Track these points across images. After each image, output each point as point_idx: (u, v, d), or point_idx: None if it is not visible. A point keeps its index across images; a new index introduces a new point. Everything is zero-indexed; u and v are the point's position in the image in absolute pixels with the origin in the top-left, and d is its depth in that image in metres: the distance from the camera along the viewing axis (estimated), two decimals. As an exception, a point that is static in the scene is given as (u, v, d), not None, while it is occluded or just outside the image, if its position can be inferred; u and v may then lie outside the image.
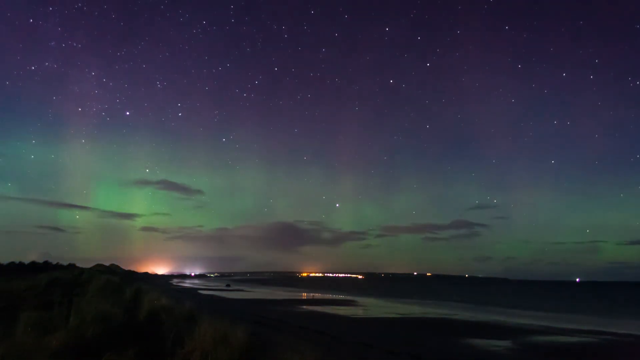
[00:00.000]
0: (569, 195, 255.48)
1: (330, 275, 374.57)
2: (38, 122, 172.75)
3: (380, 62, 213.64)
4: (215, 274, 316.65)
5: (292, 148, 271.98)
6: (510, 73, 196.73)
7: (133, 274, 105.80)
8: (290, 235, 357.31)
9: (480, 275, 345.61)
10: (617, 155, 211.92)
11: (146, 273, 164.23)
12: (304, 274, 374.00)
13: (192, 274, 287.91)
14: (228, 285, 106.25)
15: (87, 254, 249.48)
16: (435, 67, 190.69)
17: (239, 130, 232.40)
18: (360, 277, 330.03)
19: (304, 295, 69.28)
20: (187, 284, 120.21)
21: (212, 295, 58.66)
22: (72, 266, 71.78)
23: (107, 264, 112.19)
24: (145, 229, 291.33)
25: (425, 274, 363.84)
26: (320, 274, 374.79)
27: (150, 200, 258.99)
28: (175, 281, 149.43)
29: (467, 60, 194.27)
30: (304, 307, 43.45)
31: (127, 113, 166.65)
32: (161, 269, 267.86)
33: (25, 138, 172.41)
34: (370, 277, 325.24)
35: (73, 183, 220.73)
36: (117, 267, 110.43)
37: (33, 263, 61.79)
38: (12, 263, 58.96)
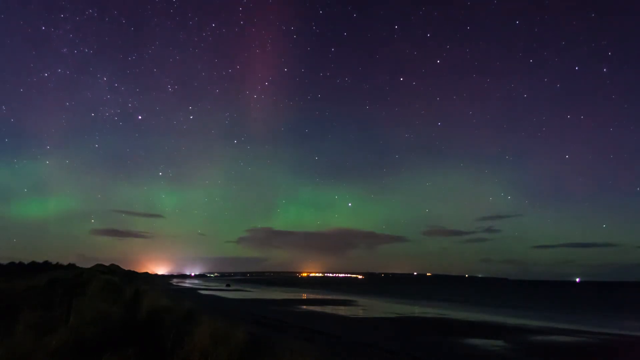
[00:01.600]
0: (584, 189, 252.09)
1: (330, 275, 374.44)
2: (52, 128, 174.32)
3: (390, 60, 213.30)
4: (215, 274, 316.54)
5: (302, 148, 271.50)
6: (521, 68, 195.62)
7: (133, 274, 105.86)
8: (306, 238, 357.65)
9: (480, 275, 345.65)
10: (632, 148, 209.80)
11: (146, 273, 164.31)
12: (304, 274, 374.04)
13: (192, 274, 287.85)
14: (228, 285, 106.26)
15: (93, 254, 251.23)
16: (446, 63, 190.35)
17: (250, 132, 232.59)
18: (360, 277, 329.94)
19: (304, 295, 69.29)
20: (187, 284, 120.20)
21: (212, 295, 58.70)
22: (72, 266, 71.74)
23: (107, 264, 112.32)
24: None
25: (425, 274, 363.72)
26: (320, 274, 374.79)
27: (165, 202, 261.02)
28: (175, 281, 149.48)
29: (477, 56, 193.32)
30: (304, 307, 43.46)
31: (139, 117, 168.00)
32: (161, 269, 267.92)
33: (40, 144, 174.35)
34: (370, 277, 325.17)
35: (87, 187, 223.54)
36: (117, 267, 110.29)
37: (33, 263, 61.74)
38: (12, 263, 58.93)
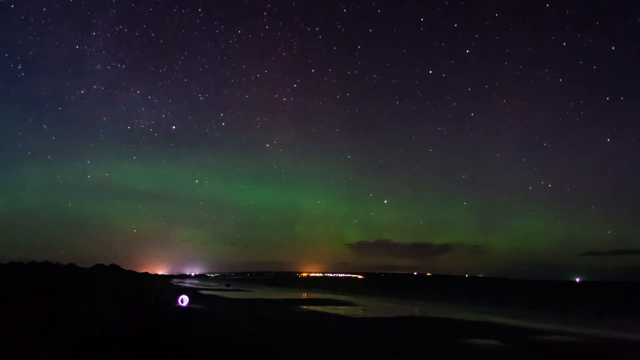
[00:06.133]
0: (628, 174, 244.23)
1: (330, 275, 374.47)
2: (91, 143, 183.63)
3: (417, 54, 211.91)
4: (216, 274, 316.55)
5: (334, 148, 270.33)
6: (554, 52, 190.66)
7: (133, 274, 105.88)
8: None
9: (480, 275, 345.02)
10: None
11: (146, 273, 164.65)
12: (304, 274, 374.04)
13: (192, 274, 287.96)
14: (228, 285, 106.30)
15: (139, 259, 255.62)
16: (475, 53, 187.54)
17: (281, 135, 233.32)
18: (360, 277, 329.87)
19: (304, 295, 69.31)
20: (187, 284, 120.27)
21: (212, 295, 58.72)
22: (72, 266, 71.74)
23: (107, 264, 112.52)
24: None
25: (425, 274, 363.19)
26: (320, 274, 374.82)
27: (202, 209, 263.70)
28: (175, 281, 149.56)
29: (508, 43, 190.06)
30: (304, 307, 43.48)
31: (173, 127, 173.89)
32: (161, 269, 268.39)
33: (81, 159, 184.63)
34: (370, 277, 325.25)
35: (128, 198, 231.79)
36: (117, 267, 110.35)
37: (33, 263, 61.73)
38: (12, 263, 58.93)
